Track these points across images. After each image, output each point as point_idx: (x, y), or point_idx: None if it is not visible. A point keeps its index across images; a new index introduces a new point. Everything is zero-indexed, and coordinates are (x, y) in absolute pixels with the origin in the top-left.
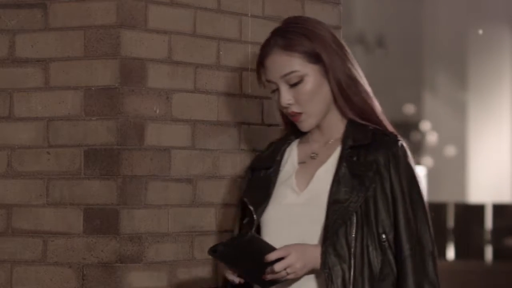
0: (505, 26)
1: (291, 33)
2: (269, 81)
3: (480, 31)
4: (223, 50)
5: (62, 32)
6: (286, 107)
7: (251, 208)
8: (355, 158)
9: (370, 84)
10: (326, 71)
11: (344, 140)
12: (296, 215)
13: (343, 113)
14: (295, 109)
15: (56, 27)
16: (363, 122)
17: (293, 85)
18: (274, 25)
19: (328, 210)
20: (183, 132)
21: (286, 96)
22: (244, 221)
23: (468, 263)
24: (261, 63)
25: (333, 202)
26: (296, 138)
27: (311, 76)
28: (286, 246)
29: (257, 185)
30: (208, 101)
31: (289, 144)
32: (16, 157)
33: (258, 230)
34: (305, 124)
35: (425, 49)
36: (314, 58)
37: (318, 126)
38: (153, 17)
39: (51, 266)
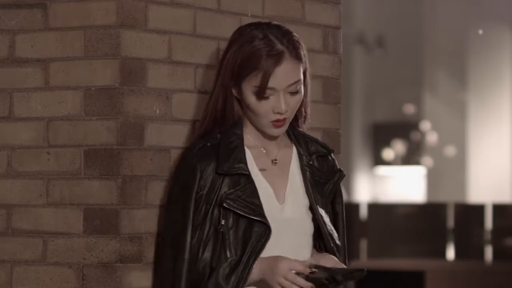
0: (505, 26)
1: (294, 41)
2: (270, 89)
3: (480, 31)
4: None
5: (62, 32)
6: (280, 114)
7: (264, 221)
8: (317, 165)
9: (370, 84)
10: (305, 82)
11: (298, 147)
12: (286, 228)
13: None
14: (285, 115)
15: (56, 27)
16: (303, 131)
17: (293, 93)
18: None
19: (319, 220)
20: (183, 132)
21: (286, 103)
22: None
23: (468, 263)
24: (270, 71)
25: (319, 214)
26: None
27: (302, 85)
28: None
29: (243, 193)
30: None
31: (242, 146)
32: (16, 157)
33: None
34: (283, 130)
35: (425, 49)
36: (303, 68)
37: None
38: (153, 17)
39: (51, 266)
